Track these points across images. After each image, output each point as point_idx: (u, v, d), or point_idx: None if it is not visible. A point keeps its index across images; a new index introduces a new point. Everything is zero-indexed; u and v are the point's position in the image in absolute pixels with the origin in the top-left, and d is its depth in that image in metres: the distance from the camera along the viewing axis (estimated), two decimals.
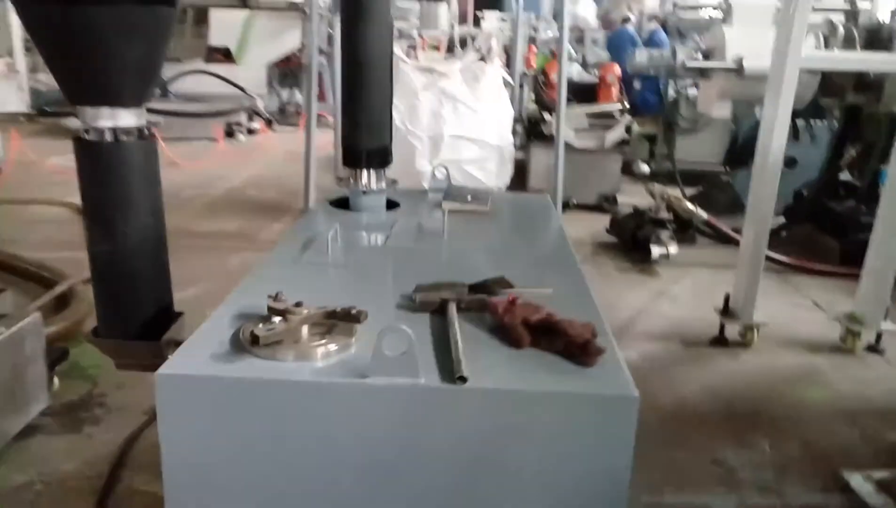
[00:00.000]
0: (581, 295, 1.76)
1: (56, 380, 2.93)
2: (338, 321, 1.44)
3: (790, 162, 6.07)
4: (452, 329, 1.45)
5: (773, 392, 3.25)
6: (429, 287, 1.66)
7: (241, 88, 10.25)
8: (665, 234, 4.94)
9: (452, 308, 1.55)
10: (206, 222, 5.79)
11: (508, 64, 8.18)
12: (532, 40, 13.84)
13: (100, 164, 1.91)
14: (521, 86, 6.77)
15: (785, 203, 5.66)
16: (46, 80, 9.41)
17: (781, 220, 5.47)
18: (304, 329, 1.42)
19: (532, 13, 14.28)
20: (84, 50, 1.79)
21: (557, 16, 20.10)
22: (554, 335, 1.43)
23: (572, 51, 13.05)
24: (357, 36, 2.30)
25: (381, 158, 2.45)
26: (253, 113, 10.32)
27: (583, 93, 6.80)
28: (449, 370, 1.30)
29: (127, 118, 1.90)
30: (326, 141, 6.50)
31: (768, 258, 4.58)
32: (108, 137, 1.88)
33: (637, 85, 7.69)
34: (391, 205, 2.51)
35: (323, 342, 1.38)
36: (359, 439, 1.31)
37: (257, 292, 1.54)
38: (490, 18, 15.40)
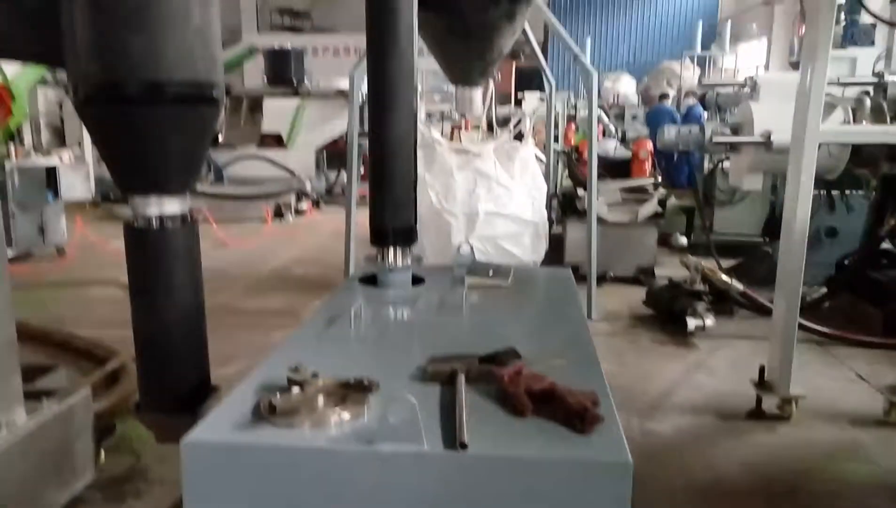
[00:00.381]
0: (589, 365, 1.82)
1: (102, 454, 3.07)
2: (351, 391, 1.54)
3: (831, 232, 6.04)
4: (458, 398, 1.53)
5: (812, 468, 3.16)
6: (441, 359, 1.75)
7: (291, 171, 10.73)
8: (701, 306, 4.93)
9: (461, 379, 1.63)
10: (252, 299, 6.02)
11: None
12: (572, 118, 14.19)
13: (146, 249, 2.09)
14: (556, 162, 6.95)
15: (827, 273, 5.60)
16: None
17: (824, 290, 5.40)
18: (320, 399, 1.52)
19: (570, 91, 14.68)
20: (134, 145, 2.00)
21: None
22: (555, 404, 1.49)
23: (612, 127, 13.32)
24: (382, 123, 2.48)
25: (406, 236, 2.59)
26: (301, 194, 10.75)
27: (617, 168, 6.94)
28: (452, 437, 1.38)
29: (172, 206, 2.08)
30: (368, 219, 6.73)
31: (809, 329, 4.52)
32: (155, 224, 2.06)
33: (672, 159, 7.80)
34: (417, 281, 2.63)
35: (336, 411, 1.48)
36: (369, 503, 1.38)
37: (281, 364, 1.65)
38: (530, 99, 15.87)
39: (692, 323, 4.79)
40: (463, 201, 5.55)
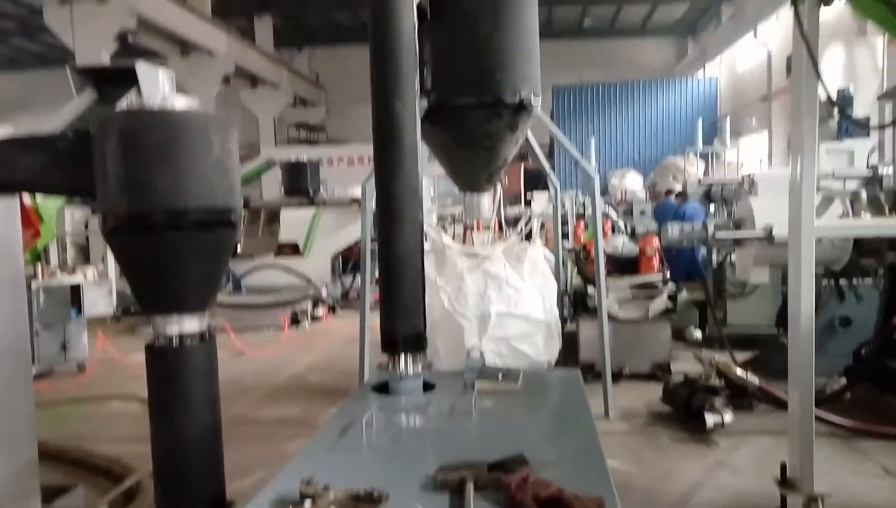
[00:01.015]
0: (597, 469, 1.85)
1: None
2: (362, 503, 1.58)
3: (844, 321, 6.02)
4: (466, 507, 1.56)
5: None
6: (451, 467, 1.79)
7: (307, 278, 10.94)
8: (719, 402, 4.88)
9: (469, 487, 1.67)
10: (268, 408, 6.03)
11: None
12: (581, 215, 14.46)
13: (166, 367, 2.19)
14: (565, 261, 7.07)
15: (845, 363, 5.55)
16: None
17: (843, 381, 5.33)
18: None
19: (578, 190, 15.06)
20: (157, 268, 2.14)
21: (603, 192, 20.78)
22: None
23: (620, 223, 13.53)
24: (390, 238, 2.62)
25: (416, 343, 2.67)
26: (317, 300, 10.91)
27: (625, 265, 7.04)
28: None
29: (191, 324, 2.19)
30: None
31: (828, 422, 4.45)
32: (175, 342, 2.17)
33: (681, 253, 7.91)
34: (428, 387, 2.68)
35: None
36: None
37: (294, 477, 1.70)
38: (539, 199, 16.26)
39: (711, 420, 4.73)
40: (474, 303, 5.65)
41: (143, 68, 8.29)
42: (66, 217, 12.20)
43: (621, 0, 22.01)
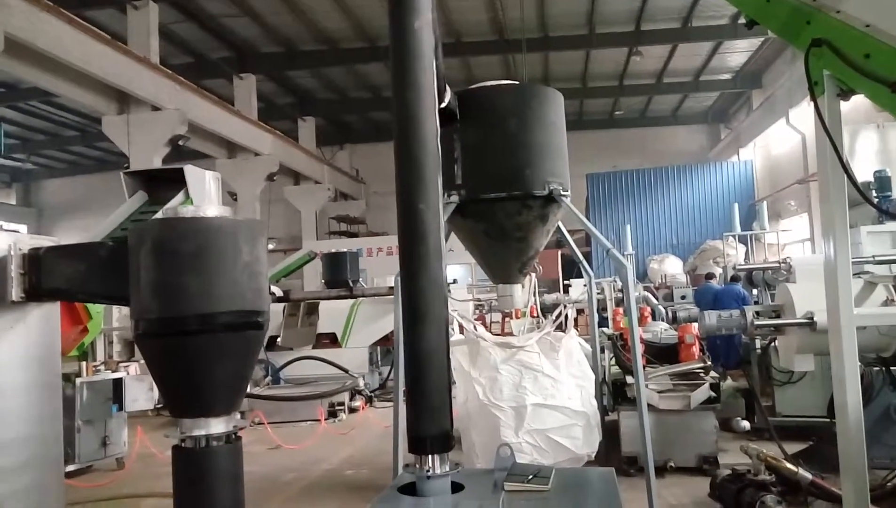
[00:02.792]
0: None
1: None
2: None
3: None
4: None
5: None
6: None
7: (345, 370, 10.95)
8: (770, 499, 4.63)
9: None
10: (303, 505, 5.93)
11: (601, 325, 8.50)
12: (620, 302, 14.31)
13: (192, 467, 2.21)
14: (603, 349, 6.96)
15: None
16: None
17: None
18: None
19: (616, 275, 14.97)
20: (185, 371, 2.20)
21: (641, 278, 20.58)
22: None
23: (661, 308, 13.32)
24: (415, 336, 2.64)
25: (443, 443, 2.63)
26: (355, 391, 10.87)
27: (664, 353, 6.89)
28: None
29: (217, 426, 2.22)
30: None
31: None
32: (202, 443, 2.19)
33: (724, 340, 7.71)
34: (457, 487, 2.62)
35: None
36: None
37: None
38: (576, 286, 16.20)
39: None
40: (509, 395, 5.57)
41: (191, 171, 8.72)
42: (114, 312, 12.58)
43: (651, 91, 22.49)
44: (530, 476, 2.67)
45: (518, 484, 2.60)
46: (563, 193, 4.77)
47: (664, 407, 5.98)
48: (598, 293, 15.49)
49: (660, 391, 6.13)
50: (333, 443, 8.49)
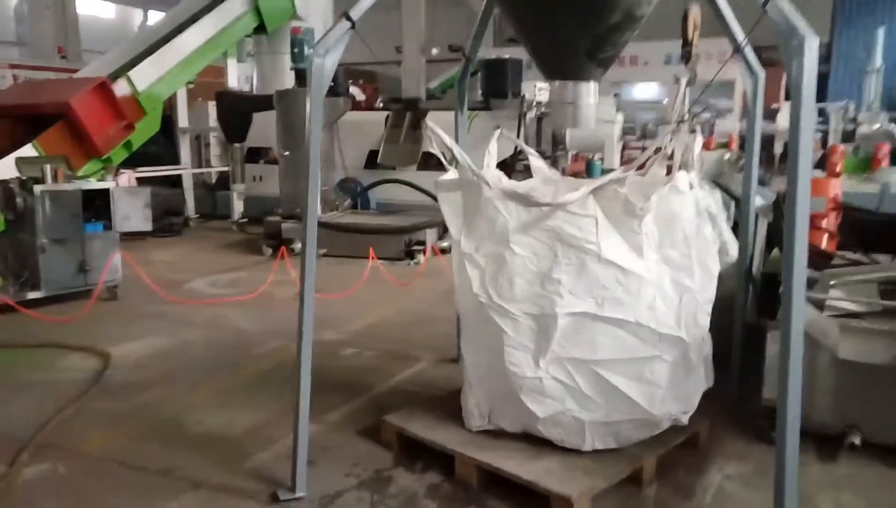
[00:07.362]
0: None
1: None
2: None
3: None
4: None
5: None
6: None
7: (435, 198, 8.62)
8: None
9: None
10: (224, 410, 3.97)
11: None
12: (848, 136, 10.42)
13: None
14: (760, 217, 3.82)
15: None
16: None
17: None
18: None
19: (847, 101, 10.71)
20: None
21: (892, 107, 15.33)
22: None
23: None
24: None
25: None
26: (446, 229, 8.58)
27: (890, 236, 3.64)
28: None
29: None
30: None
31: None
32: None
33: None
34: None
35: None
36: None
37: None
38: (785, 110, 11.98)
39: None
40: (527, 292, 2.91)
41: None
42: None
43: None
44: None
45: None
46: None
47: (847, 356, 2.95)
48: (820, 122, 11.26)
49: (848, 315, 3.07)
50: (378, 296, 6.46)
